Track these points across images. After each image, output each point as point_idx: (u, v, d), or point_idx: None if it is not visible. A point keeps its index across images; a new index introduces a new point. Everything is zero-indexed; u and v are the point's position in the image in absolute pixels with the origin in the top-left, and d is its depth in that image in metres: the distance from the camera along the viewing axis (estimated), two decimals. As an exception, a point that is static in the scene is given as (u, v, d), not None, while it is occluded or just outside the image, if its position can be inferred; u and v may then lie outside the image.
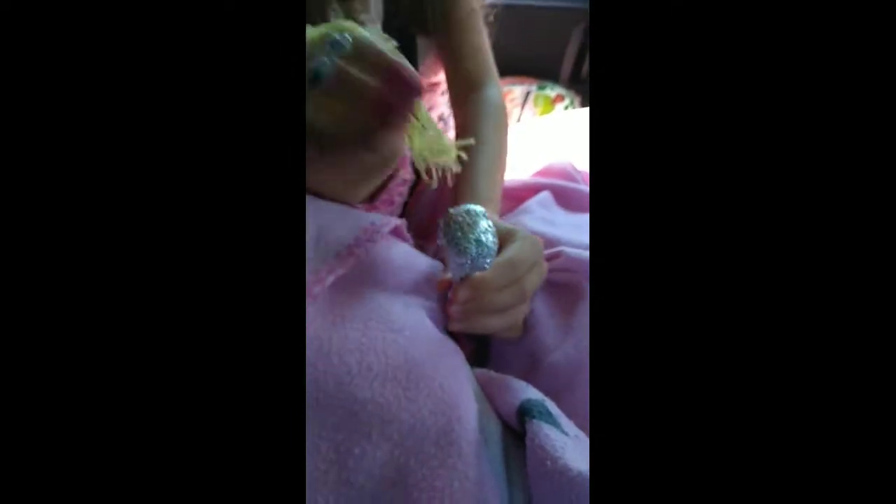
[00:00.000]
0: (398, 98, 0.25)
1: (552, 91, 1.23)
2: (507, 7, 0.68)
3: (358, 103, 0.25)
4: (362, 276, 0.31)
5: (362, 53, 0.25)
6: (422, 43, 0.60)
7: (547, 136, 0.77)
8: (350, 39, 0.25)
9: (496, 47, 0.68)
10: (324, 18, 0.43)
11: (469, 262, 0.31)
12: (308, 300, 0.27)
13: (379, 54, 0.25)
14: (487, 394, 0.30)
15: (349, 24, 0.27)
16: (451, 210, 0.32)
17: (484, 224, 0.32)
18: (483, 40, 0.58)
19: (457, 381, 0.28)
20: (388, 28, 0.56)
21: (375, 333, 0.27)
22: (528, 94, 1.23)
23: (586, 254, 0.38)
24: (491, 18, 0.63)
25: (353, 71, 0.25)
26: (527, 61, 1.23)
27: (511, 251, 0.34)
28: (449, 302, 0.33)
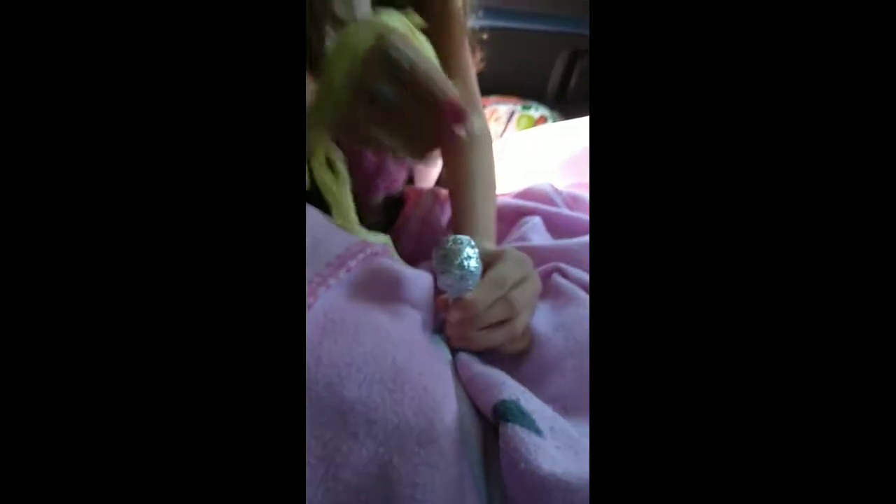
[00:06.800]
0: (452, 120, 0.28)
1: (536, 112, 1.27)
2: (496, 30, 0.71)
3: (418, 124, 0.29)
4: (353, 286, 0.33)
5: (418, 80, 0.28)
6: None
7: (526, 152, 0.80)
8: (408, 60, 0.28)
9: (485, 67, 0.70)
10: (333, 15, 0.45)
11: (455, 283, 0.35)
12: (301, 307, 0.29)
13: (432, 84, 0.28)
14: (468, 392, 0.32)
15: (399, 23, 0.30)
16: (441, 239, 0.36)
17: (468, 251, 0.35)
18: (471, 73, 0.62)
19: (440, 384, 0.29)
20: None
21: (364, 339, 0.29)
22: (512, 113, 1.27)
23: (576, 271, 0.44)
24: (483, 38, 0.66)
25: (412, 100, 0.28)
26: (513, 81, 1.26)
27: (494, 270, 0.37)
28: (447, 324, 0.36)
